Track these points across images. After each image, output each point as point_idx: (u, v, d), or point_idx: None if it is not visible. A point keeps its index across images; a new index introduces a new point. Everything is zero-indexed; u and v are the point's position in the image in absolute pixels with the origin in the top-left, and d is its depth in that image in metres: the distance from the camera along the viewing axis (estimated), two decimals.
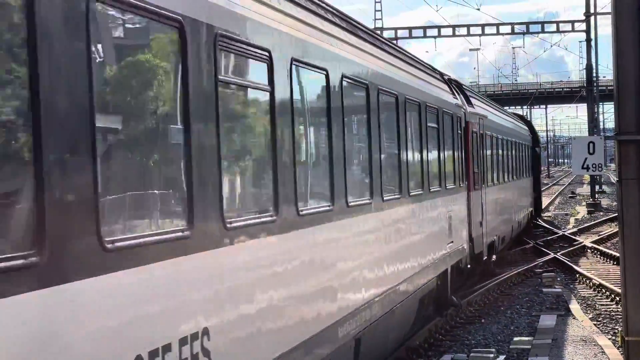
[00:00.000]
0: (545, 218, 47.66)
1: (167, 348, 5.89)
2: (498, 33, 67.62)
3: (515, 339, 16.94)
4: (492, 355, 14.50)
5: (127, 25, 6.02)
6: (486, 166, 24.81)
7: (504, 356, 15.00)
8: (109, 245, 5.33)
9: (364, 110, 11.88)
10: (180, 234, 6.29)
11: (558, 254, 30.03)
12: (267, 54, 8.20)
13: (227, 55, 7.44)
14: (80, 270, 5.06)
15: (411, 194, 14.38)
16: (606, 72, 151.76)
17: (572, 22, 64.97)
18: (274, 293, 8.13)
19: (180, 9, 6.42)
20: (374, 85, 12.21)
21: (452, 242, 18.57)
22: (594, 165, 11.82)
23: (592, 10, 58.72)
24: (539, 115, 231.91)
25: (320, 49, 10.12)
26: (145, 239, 5.79)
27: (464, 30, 67.18)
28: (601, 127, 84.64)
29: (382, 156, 12.59)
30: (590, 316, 19.45)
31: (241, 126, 8.11)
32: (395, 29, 66.63)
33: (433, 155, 16.78)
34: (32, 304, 4.66)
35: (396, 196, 13.26)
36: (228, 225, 7.07)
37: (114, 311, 5.38)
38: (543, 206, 51.41)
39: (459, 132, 20.57)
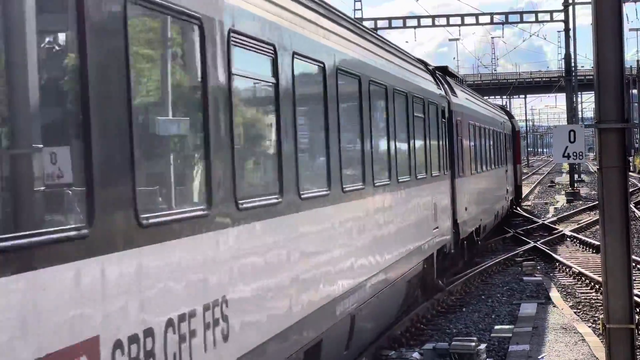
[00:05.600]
0: (525, 207, 47.80)
1: None
2: (477, 23, 67.65)
3: (496, 327, 17.00)
4: (473, 343, 14.53)
5: None
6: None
7: (485, 345, 15.04)
8: None
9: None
10: None
11: (538, 242, 30.14)
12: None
13: None
14: None
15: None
16: (584, 61, 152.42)
17: (551, 12, 65.14)
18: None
19: None
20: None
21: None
22: (574, 154, 11.82)
23: (570, 0, 58.91)
24: (518, 105, 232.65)
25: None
26: None
27: (443, 21, 67.27)
28: (580, 116, 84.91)
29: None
30: (570, 304, 19.55)
31: None
32: (375, 19, 66.57)
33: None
34: None
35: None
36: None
37: None
38: (522, 195, 51.51)
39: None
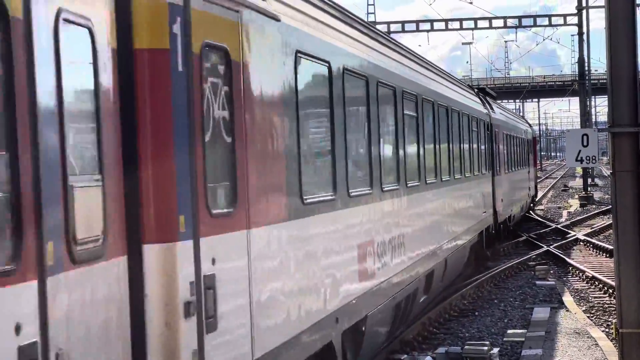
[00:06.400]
0: (538, 212, 47.69)
1: None
2: (491, 27, 67.58)
3: (509, 331, 16.97)
4: (485, 347, 14.52)
5: None
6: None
7: (498, 349, 15.03)
8: None
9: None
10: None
11: (551, 246, 30.08)
12: None
13: None
14: None
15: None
16: (598, 65, 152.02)
17: (564, 15, 65.01)
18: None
19: None
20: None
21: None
22: (587, 158, 11.82)
23: (584, 4, 58.79)
24: (531, 109, 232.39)
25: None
26: None
27: (456, 24, 67.12)
28: (593, 120, 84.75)
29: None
30: (584, 308, 19.50)
31: None
32: (388, 23, 66.56)
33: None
34: None
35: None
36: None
37: None
38: (538, 195, 51.64)
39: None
